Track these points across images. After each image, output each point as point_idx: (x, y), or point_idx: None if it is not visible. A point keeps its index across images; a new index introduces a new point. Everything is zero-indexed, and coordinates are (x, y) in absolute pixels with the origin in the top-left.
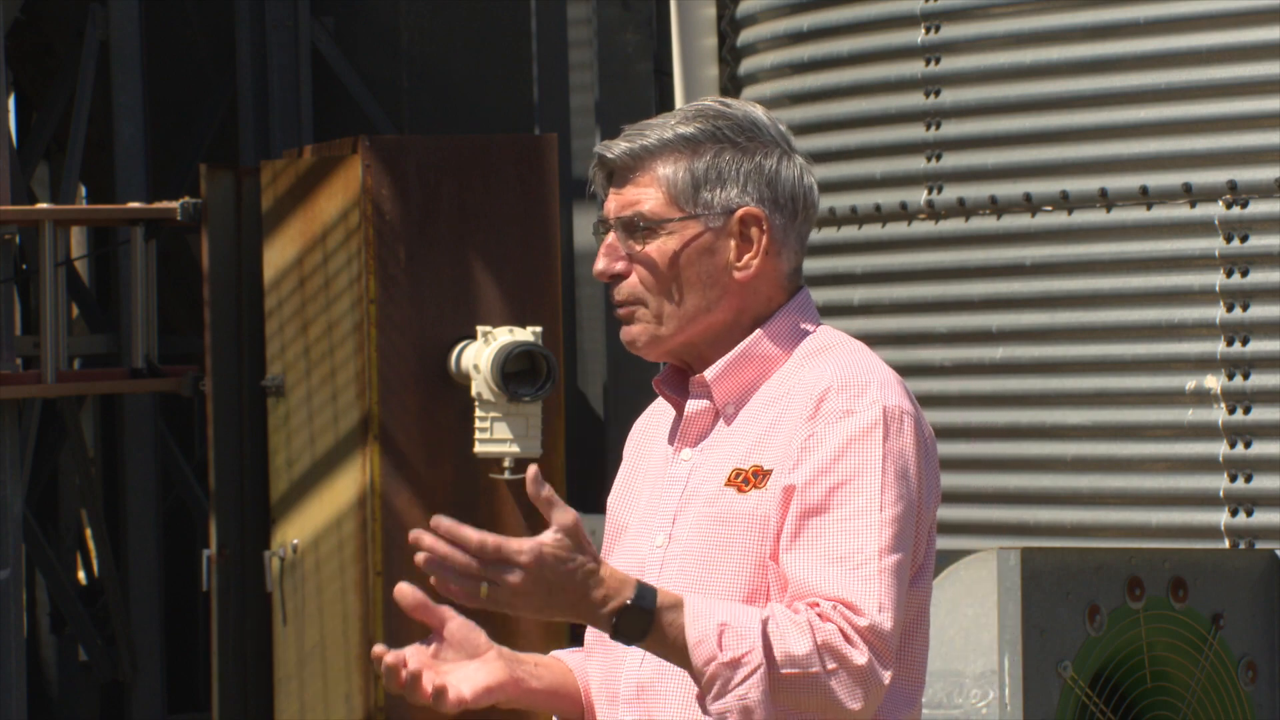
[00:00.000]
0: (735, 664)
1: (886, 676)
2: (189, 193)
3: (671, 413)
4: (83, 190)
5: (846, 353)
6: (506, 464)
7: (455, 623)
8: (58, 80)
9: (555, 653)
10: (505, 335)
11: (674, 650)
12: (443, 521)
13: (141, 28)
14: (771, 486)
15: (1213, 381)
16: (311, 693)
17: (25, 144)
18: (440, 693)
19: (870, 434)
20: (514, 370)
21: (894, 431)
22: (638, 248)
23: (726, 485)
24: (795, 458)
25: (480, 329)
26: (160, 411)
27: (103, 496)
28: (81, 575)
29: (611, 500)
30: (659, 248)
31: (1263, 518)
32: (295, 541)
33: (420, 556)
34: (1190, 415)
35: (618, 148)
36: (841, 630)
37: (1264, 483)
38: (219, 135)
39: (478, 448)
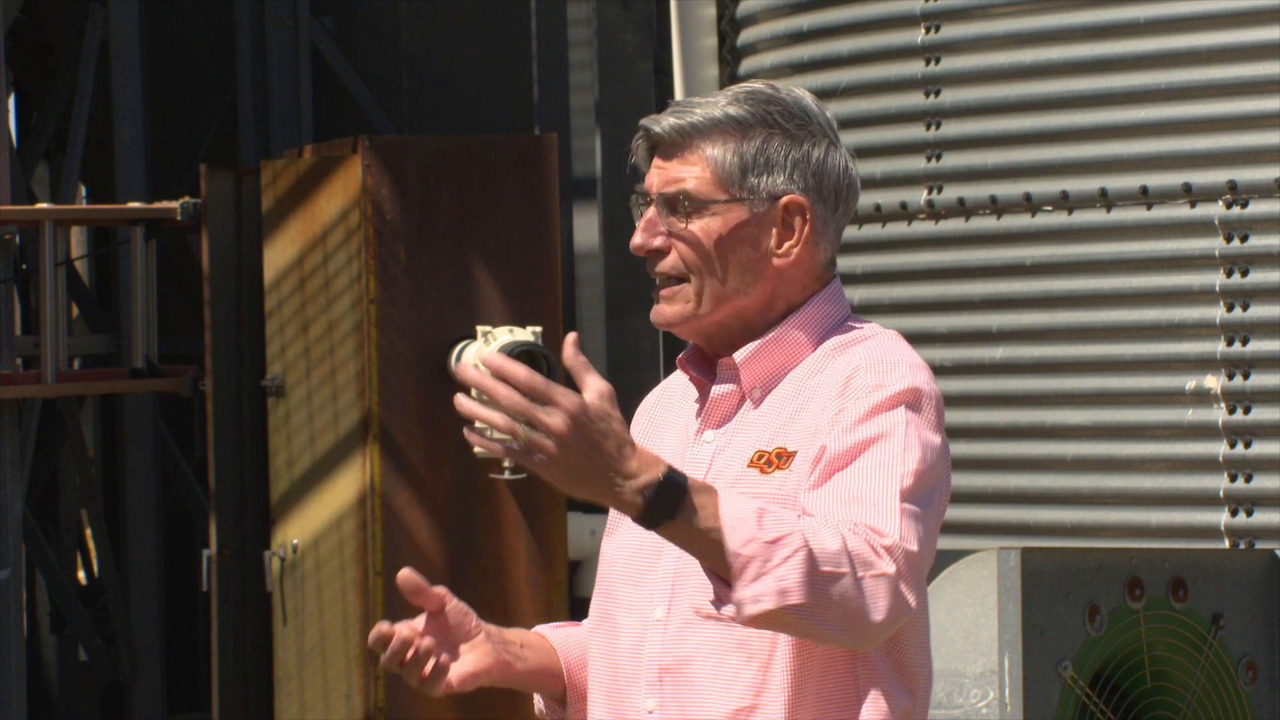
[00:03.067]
0: (776, 543)
1: (912, 597)
2: (189, 193)
3: (687, 393)
4: (83, 190)
5: (879, 342)
6: (507, 464)
7: (451, 604)
8: (58, 80)
9: (539, 628)
10: (505, 335)
11: (698, 535)
12: (493, 359)
13: (141, 28)
14: (797, 466)
15: (1213, 381)
16: (311, 693)
17: (25, 144)
18: (438, 673)
19: (897, 404)
20: None
21: (923, 405)
22: (679, 225)
23: (749, 467)
24: (826, 431)
25: (480, 329)
26: (160, 411)
27: (103, 496)
28: (81, 575)
29: None
30: (702, 227)
31: (1263, 518)
32: (295, 541)
33: (461, 401)
34: (1190, 415)
35: (665, 122)
36: (868, 542)
37: (1264, 483)
38: (219, 135)
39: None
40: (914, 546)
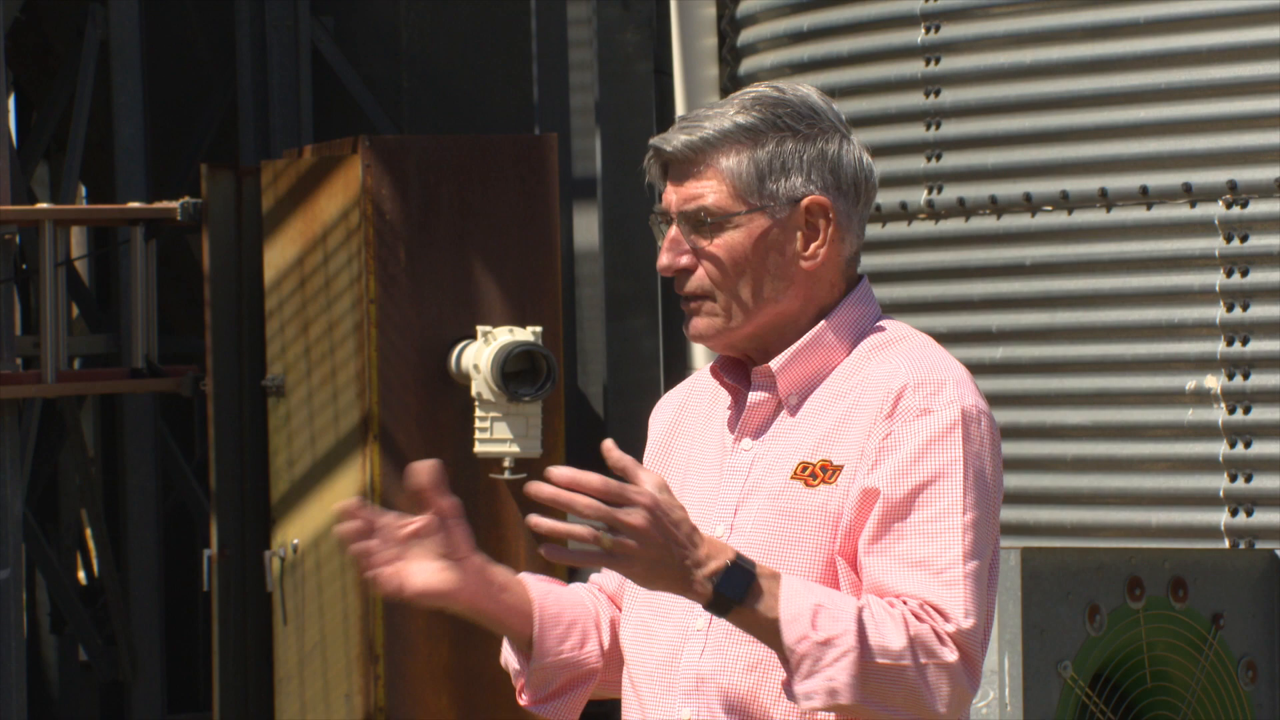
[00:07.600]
0: (827, 644)
1: (973, 682)
2: (189, 193)
3: (717, 397)
4: (83, 190)
5: (916, 347)
6: (506, 464)
7: (453, 519)
8: (58, 80)
9: (524, 576)
10: (505, 335)
11: (761, 623)
12: (561, 471)
13: (141, 28)
14: (842, 483)
15: (1213, 381)
16: (311, 693)
17: (25, 144)
18: (393, 579)
19: (950, 434)
20: (514, 370)
21: (973, 432)
22: (703, 242)
23: (793, 479)
24: (873, 457)
25: (480, 329)
26: (160, 411)
27: (103, 496)
28: (81, 575)
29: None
30: (726, 242)
31: (1263, 518)
32: (295, 541)
33: (539, 521)
34: (1190, 415)
35: (676, 140)
36: (934, 629)
37: (1264, 483)
38: (219, 135)
39: (478, 448)
40: (974, 620)
